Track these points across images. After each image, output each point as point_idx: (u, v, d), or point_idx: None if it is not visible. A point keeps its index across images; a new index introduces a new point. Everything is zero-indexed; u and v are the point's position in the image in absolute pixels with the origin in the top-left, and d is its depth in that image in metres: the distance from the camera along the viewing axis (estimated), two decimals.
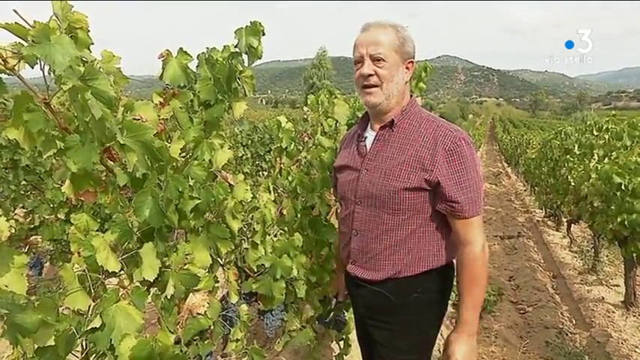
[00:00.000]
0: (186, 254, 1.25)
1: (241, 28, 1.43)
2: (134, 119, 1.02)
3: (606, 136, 5.22)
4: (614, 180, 3.75)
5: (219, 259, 1.53)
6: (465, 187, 1.39)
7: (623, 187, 3.70)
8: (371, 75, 1.44)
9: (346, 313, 2.36)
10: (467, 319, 1.44)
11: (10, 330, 0.81)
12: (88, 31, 0.96)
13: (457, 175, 1.39)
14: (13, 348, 0.83)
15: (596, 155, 5.03)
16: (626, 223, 3.65)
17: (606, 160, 4.28)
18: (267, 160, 8.49)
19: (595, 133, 5.62)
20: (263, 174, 8.41)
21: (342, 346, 2.41)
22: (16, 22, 0.82)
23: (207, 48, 1.39)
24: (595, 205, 4.29)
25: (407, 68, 1.49)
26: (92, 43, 0.99)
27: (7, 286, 0.80)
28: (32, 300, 0.85)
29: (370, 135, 1.57)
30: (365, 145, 1.56)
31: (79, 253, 1.04)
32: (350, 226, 1.57)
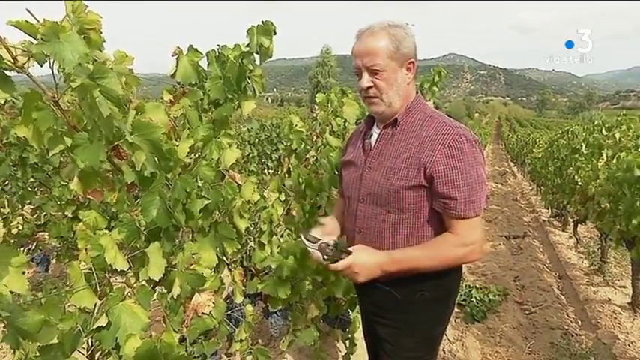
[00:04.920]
0: (193, 254, 1.25)
1: (253, 27, 1.41)
2: None
3: (617, 136, 5.13)
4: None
5: (225, 259, 1.53)
6: (461, 185, 1.34)
7: None
8: (370, 87, 1.43)
9: (351, 312, 2.35)
10: (397, 256, 1.40)
11: (10, 333, 0.80)
12: (101, 32, 0.95)
13: (453, 171, 1.34)
14: (14, 351, 0.82)
15: (604, 155, 4.96)
16: None
17: (614, 160, 4.22)
18: (274, 159, 8.49)
19: (604, 132, 5.55)
20: (269, 172, 8.41)
21: (348, 346, 2.41)
22: (26, 20, 0.82)
23: (218, 46, 1.37)
24: (602, 205, 4.25)
25: (408, 69, 1.45)
26: (104, 42, 0.98)
27: (6, 286, 0.79)
28: (39, 296, 0.85)
29: (375, 133, 1.56)
30: (370, 143, 1.55)
31: (86, 250, 1.04)
32: (354, 224, 1.56)
